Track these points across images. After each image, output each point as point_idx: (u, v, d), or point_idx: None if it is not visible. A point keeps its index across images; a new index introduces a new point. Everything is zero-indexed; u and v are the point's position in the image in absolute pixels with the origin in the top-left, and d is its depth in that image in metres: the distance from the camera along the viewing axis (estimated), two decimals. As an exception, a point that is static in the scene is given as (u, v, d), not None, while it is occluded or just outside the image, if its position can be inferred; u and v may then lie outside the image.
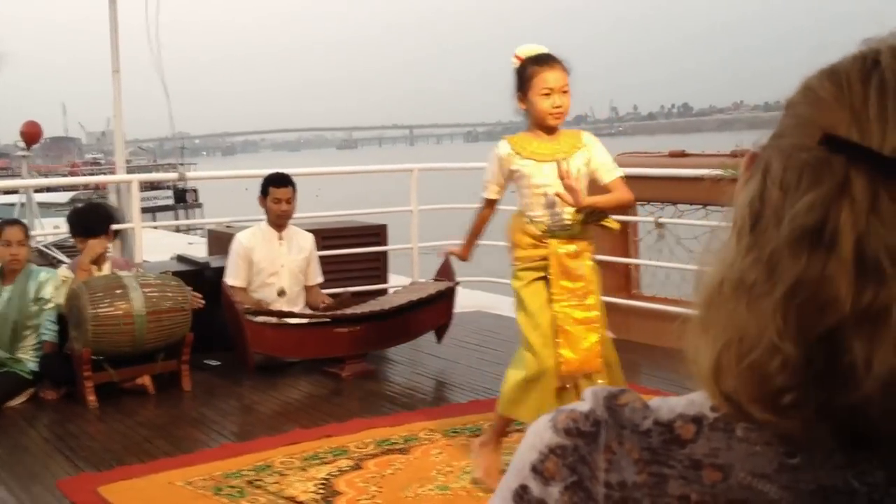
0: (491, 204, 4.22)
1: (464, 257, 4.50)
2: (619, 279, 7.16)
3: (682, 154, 6.97)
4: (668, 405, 0.72)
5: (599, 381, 3.86)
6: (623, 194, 3.98)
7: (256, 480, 4.17)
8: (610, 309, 7.31)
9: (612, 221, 4.03)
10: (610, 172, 3.95)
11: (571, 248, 3.91)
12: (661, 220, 6.71)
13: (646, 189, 6.73)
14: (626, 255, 7.11)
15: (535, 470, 0.72)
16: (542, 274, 3.94)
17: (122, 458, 4.53)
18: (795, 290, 0.64)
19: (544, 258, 3.92)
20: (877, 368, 0.62)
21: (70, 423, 5.09)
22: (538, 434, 0.74)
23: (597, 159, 3.94)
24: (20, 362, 5.56)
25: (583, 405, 0.74)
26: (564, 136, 3.94)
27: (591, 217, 3.93)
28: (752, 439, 0.68)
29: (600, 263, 7.13)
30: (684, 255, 6.36)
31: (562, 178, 3.80)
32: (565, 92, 3.83)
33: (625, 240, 7.07)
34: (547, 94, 3.83)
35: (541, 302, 3.93)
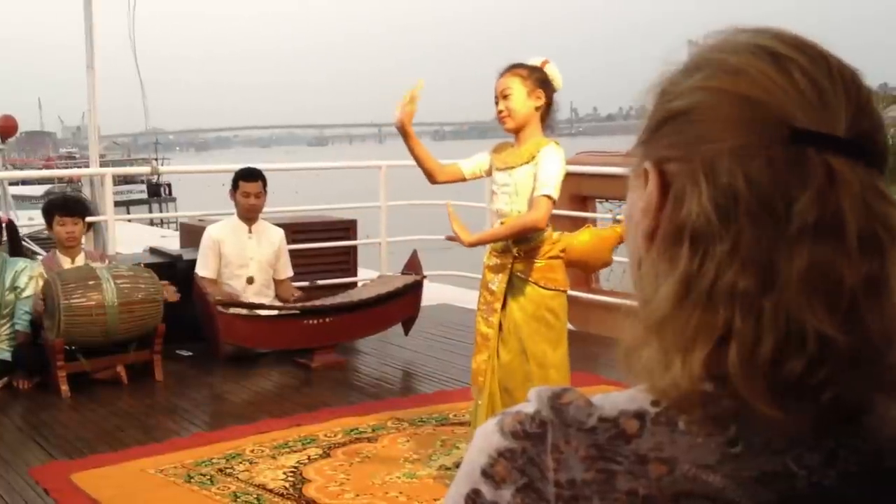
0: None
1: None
2: (580, 273, 7.33)
3: None
4: (611, 401, 0.72)
5: (479, 402, 3.85)
6: (527, 215, 3.72)
7: (227, 468, 4.24)
8: (571, 302, 7.45)
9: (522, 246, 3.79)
10: (537, 189, 3.71)
11: (494, 261, 3.87)
12: (618, 216, 6.86)
13: (605, 186, 6.88)
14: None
15: (486, 474, 0.72)
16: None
17: (95, 446, 4.59)
18: (807, 282, 0.65)
19: None
20: None
21: (43, 412, 5.15)
22: (486, 438, 0.73)
23: (538, 174, 3.73)
24: (-6, 352, 5.60)
25: (528, 406, 0.73)
26: (528, 145, 3.79)
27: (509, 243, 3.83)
28: (694, 431, 0.68)
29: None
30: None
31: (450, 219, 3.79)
32: (506, 96, 3.76)
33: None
34: (496, 102, 3.82)
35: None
